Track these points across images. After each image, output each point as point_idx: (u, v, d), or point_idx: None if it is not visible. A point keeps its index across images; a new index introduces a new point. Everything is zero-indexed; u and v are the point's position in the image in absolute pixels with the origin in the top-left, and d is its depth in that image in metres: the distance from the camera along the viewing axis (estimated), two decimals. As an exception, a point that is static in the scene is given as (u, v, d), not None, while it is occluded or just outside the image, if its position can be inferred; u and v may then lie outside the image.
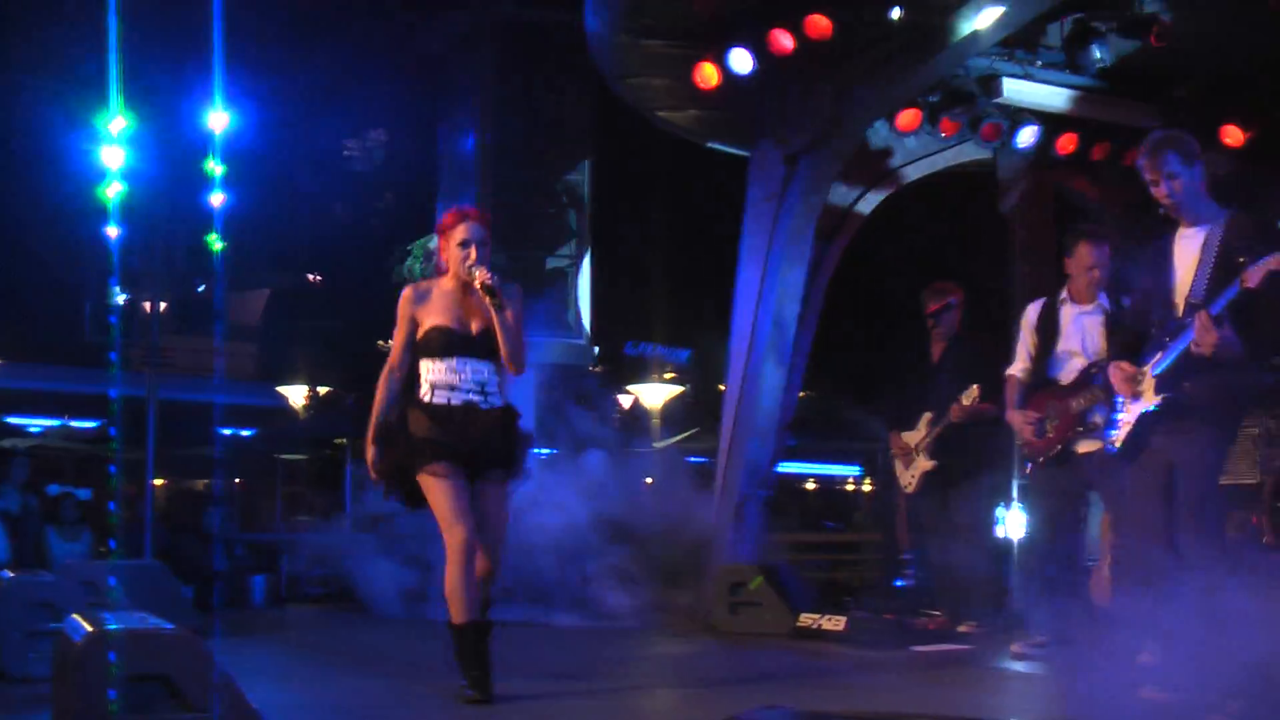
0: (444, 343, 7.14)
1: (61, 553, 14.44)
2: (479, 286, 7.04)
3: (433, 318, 7.20)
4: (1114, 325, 8.70)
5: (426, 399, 7.09)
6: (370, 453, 7.20)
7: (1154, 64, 11.72)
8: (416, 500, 7.14)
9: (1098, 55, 11.26)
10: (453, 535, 6.91)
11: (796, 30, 10.90)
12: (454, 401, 7.08)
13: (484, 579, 7.15)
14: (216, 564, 14.69)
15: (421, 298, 7.26)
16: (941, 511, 10.40)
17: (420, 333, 7.22)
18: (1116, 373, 7.00)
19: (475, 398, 7.12)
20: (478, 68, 14.07)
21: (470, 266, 7.10)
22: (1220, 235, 6.67)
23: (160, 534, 14.58)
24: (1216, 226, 6.70)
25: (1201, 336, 6.42)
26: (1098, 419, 8.60)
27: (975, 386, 9.88)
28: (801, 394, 13.04)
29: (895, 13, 10.63)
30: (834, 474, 30.56)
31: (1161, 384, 6.75)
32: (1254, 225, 6.68)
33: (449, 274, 7.26)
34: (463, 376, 7.13)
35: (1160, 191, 6.79)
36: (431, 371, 7.16)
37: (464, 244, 7.17)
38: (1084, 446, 8.67)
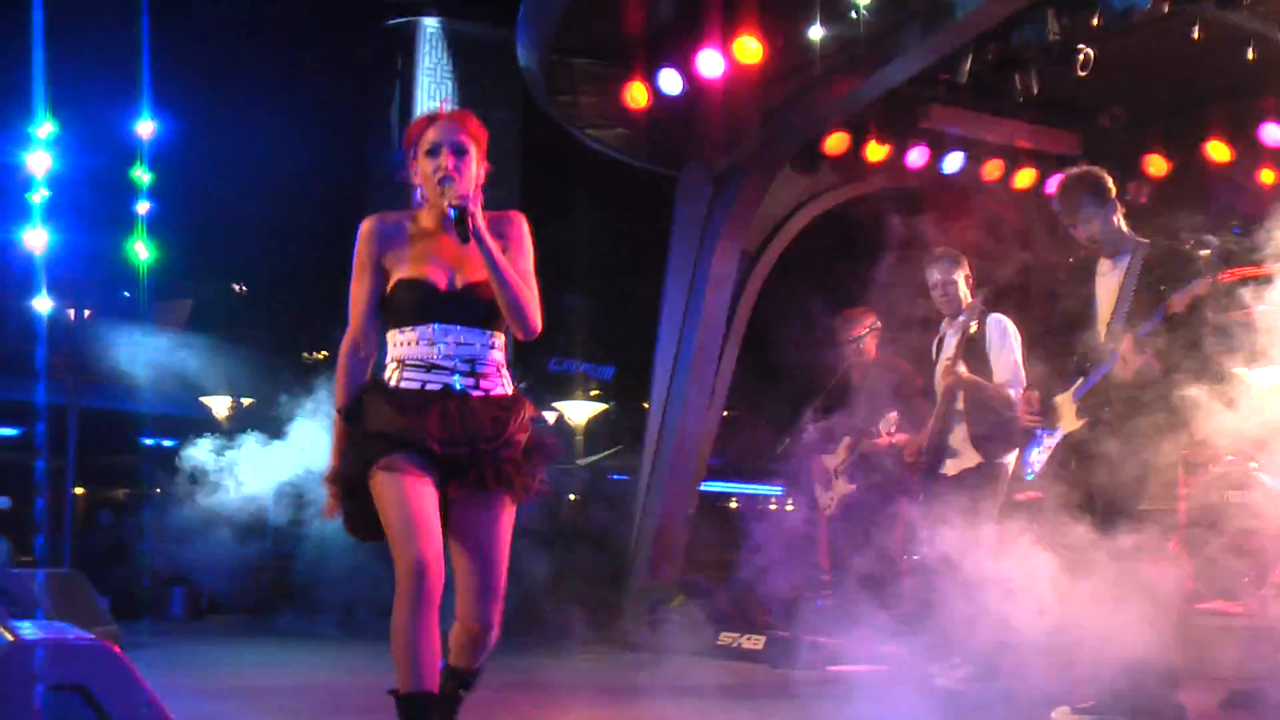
0: (416, 303, 4.98)
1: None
2: (445, 209, 4.91)
3: (402, 267, 5.04)
4: (969, 341, 8.76)
5: (392, 382, 4.93)
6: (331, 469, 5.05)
7: (1079, 93, 11.85)
8: (375, 530, 4.91)
9: (1023, 84, 11.38)
10: (403, 556, 4.69)
11: (725, 52, 10.97)
12: (429, 386, 4.89)
13: (470, 643, 4.96)
14: (135, 575, 14.60)
15: (389, 236, 5.07)
16: (860, 533, 10.46)
17: (388, 287, 5.06)
18: (1024, 404, 7.16)
19: (463, 381, 4.91)
20: (406, 80, 14.07)
21: (441, 181, 4.95)
22: (1140, 264, 6.80)
23: (80, 543, 14.49)
24: (1136, 256, 6.84)
25: (1125, 360, 6.55)
26: (956, 433, 8.72)
27: (893, 415, 9.97)
28: (725, 412, 13.10)
29: (819, 35, 10.69)
30: (757, 493, 30.56)
31: (1083, 409, 6.88)
32: (1171, 253, 6.83)
33: (427, 204, 5.11)
34: (441, 350, 4.92)
35: (1079, 233, 6.96)
36: (399, 344, 5.00)
37: (432, 151, 5.03)
38: (951, 468, 8.78)
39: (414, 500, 4.77)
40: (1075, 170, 7.26)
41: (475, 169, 5.09)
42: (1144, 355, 6.56)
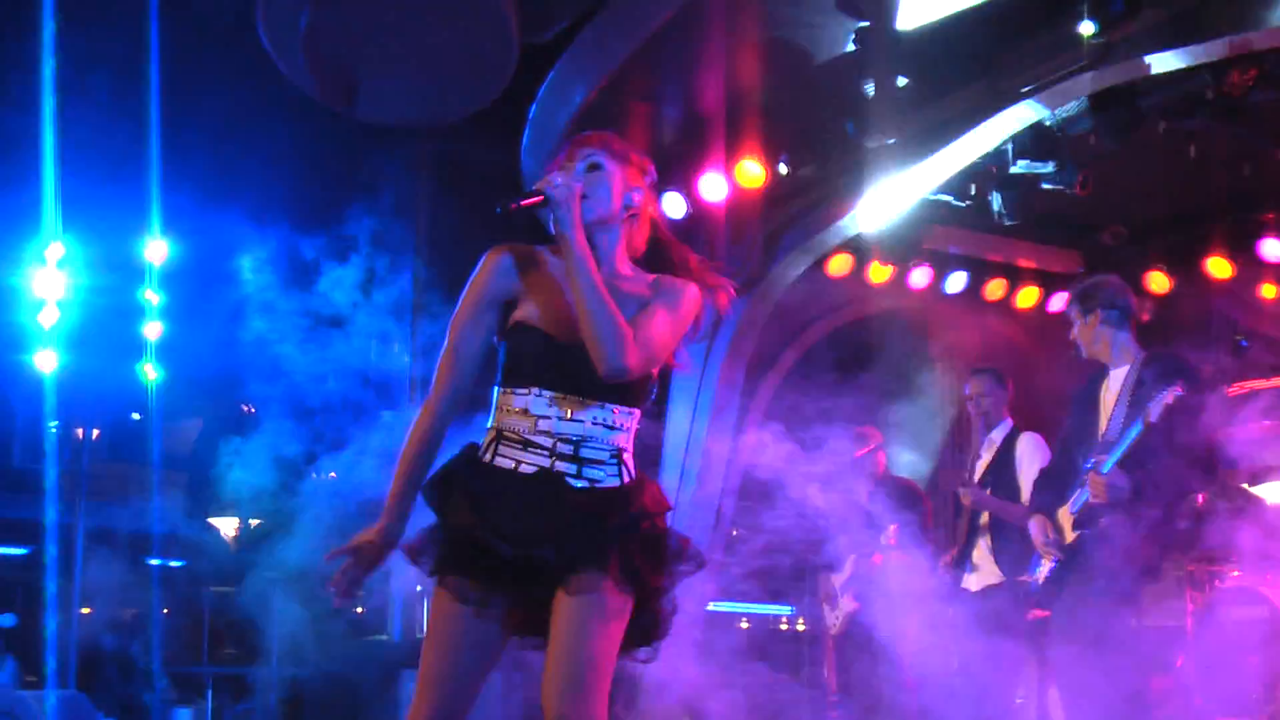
0: (523, 357, 4.11)
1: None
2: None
3: (523, 308, 4.18)
4: (998, 461, 8.86)
5: (487, 455, 4.07)
6: (357, 544, 4.14)
7: (1079, 211, 11.92)
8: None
9: (1024, 203, 11.45)
10: (412, 711, 3.98)
11: (728, 176, 11.03)
12: (524, 468, 4.01)
13: None
14: (141, 695, 14.55)
15: (518, 270, 4.23)
16: (869, 652, 10.41)
17: (499, 334, 4.23)
18: (1035, 527, 7.15)
19: (562, 466, 4.01)
20: (413, 201, 14.17)
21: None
22: (1136, 375, 6.84)
23: (84, 663, 14.44)
24: (1134, 369, 6.88)
25: (1095, 491, 6.59)
26: (979, 547, 8.75)
27: (893, 526, 9.96)
28: (734, 532, 13.08)
29: (820, 159, 10.81)
30: (766, 613, 30.33)
31: (1079, 521, 6.89)
32: (1168, 363, 6.86)
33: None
34: (545, 422, 4.03)
35: (1073, 337, 7.02)
36: (502, 409, 4.12)
37: (565, 168, 4.28)
38: (973, 583, 8.81)
39: (440, 650, 4.02)
40: (1083, 280, 7.36)
41: (615, 187, 4.28)
42: (1107, 478, 6.59)
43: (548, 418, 4.03)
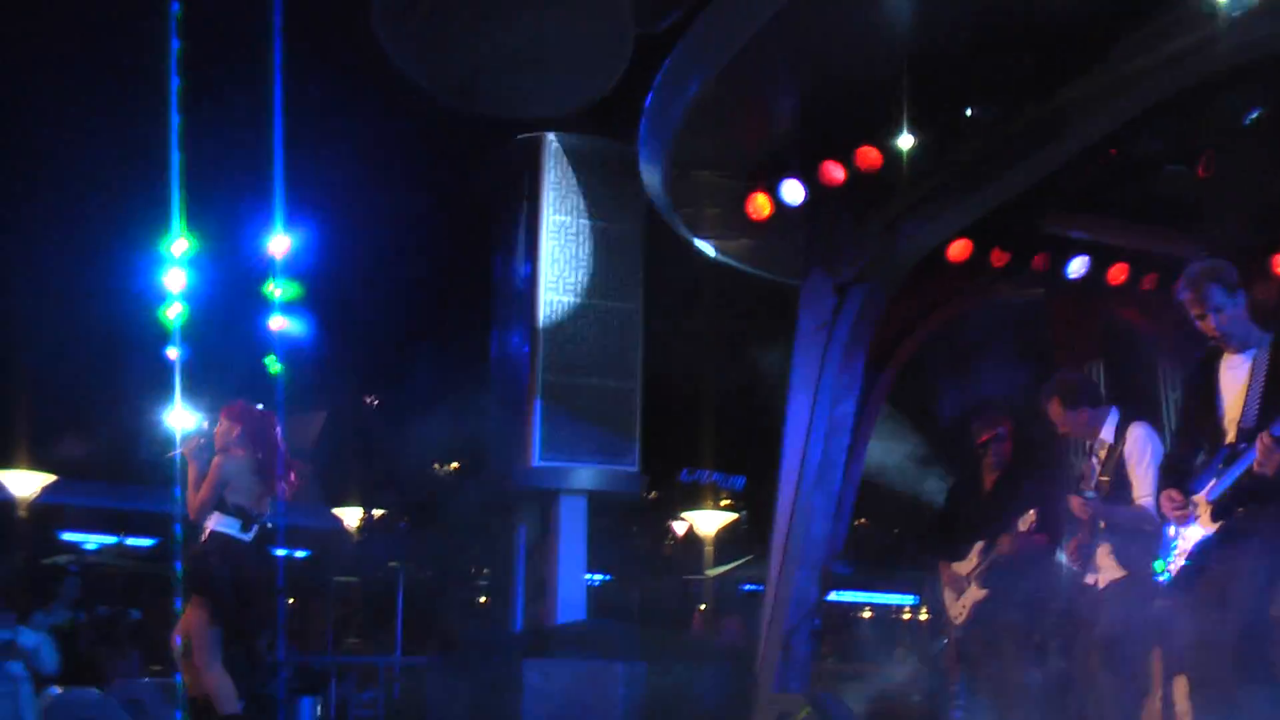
0: None
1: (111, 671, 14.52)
2: None
3: None
4: (1111, 460, 8.68)
5: None
6: None
7: (1203, 194, 11.73)
8: None
9: (1145, 186, 11.28)
10: None
11: (847, 161, 10.96)
12: None
13: None
14: (264, 685, 14.70)
15: None
16: (992, 642, 10.32)
17: None
18: (1166, 502, 6.99)
19: None
20: (533, 194, 14.19)
21: None
22: (1267, 359, 6.71)
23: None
24: (1262, 351, 6.74)
25: (1265, 458, 6.41)
26: (1101, 550, 8.60)
27: (1032, 512, 9.81)
28: (860, 521, 13.03)
29: (938, 144, 10.72)
30: (890, 603, 30.19)
31: (1218, 511, 6.74)
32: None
33: None
34: None
35: (1209, 325, 6.87)
36: None
37: None
38: (1090, 578, 8.67)
39: None
40: (1203, 261, 7.21)
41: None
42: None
43: None
